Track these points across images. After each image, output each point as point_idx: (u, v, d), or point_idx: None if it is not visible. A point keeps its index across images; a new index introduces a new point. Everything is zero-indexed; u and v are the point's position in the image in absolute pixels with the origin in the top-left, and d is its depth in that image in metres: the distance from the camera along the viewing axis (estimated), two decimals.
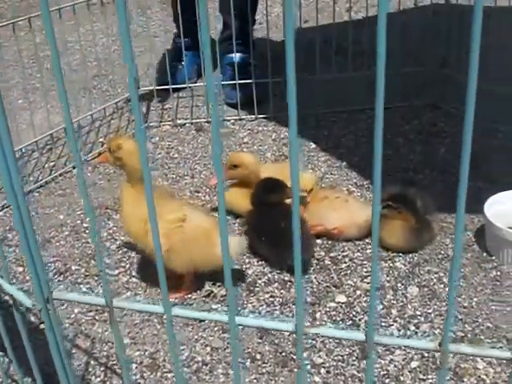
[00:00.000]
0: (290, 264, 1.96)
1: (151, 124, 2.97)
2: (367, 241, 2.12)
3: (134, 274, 2.04)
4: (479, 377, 1.59)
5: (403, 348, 1.66)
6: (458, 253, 0.68)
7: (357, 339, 0.73)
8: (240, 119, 2.98)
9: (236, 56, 3.07)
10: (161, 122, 3.00)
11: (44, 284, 0.86)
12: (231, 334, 0.79)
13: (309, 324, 1.77)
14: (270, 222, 2.04)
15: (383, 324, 1.77)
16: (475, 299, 1.85)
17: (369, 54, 2.92)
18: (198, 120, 3.00)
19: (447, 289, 1.89)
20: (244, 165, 2.16)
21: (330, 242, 2.12)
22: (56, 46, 0.74)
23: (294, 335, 0.79)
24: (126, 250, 2.13)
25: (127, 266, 2.07)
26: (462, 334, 1.73)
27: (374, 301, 0.71)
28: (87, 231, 2.25)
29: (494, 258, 2.00)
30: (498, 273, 1.94)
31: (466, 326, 1.76)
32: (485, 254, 2.01)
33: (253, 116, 2.98)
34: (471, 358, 1.65)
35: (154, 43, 3.40)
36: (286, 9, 0.63)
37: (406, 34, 2.91)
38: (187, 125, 2.98)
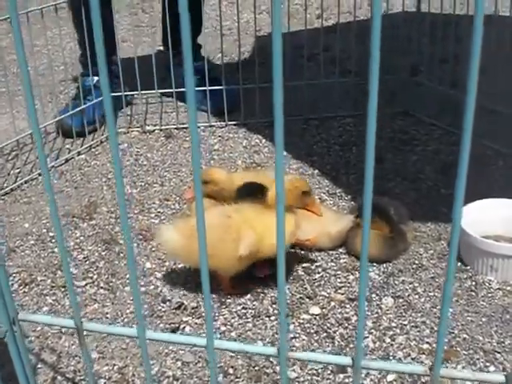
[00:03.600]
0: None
1: (119, 130, 2.91)
2: (340, 251, 2.09)
3: (101, 285, 1.98)
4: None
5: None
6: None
7: (343, 364, 0.69)
8: (210, 126, 2.94)
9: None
10: (129, 127, 2.95)
11: (10, 305, 0.81)
12: (209, 358, 0.75)
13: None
14: None
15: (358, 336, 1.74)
16: (451, 310, 1.82)
17: (340, 61, 2.90)
18: (167, 126, 2.96)
19: (422, 299, 1.86)
20: (213, 181, 2.08)
21: (302, 252, 2.09)
22: (23, 50, 0.70)
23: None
24: (93, 260, 2.08)
25: (95, 276, 2.02)
26: None
27: (361, 325, 0.68)
28: (53, 240, 2.19)
29: (468, 267, 1.97)
30: (473, 283, 1.92)
31: None
32: (459, 264, 1.99)
33: (223, 123, 2.94)
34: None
35: (123, 48, 3.34)
36: (274, 16, 0.59)
37: None
38: (156, 131, 2.94)
